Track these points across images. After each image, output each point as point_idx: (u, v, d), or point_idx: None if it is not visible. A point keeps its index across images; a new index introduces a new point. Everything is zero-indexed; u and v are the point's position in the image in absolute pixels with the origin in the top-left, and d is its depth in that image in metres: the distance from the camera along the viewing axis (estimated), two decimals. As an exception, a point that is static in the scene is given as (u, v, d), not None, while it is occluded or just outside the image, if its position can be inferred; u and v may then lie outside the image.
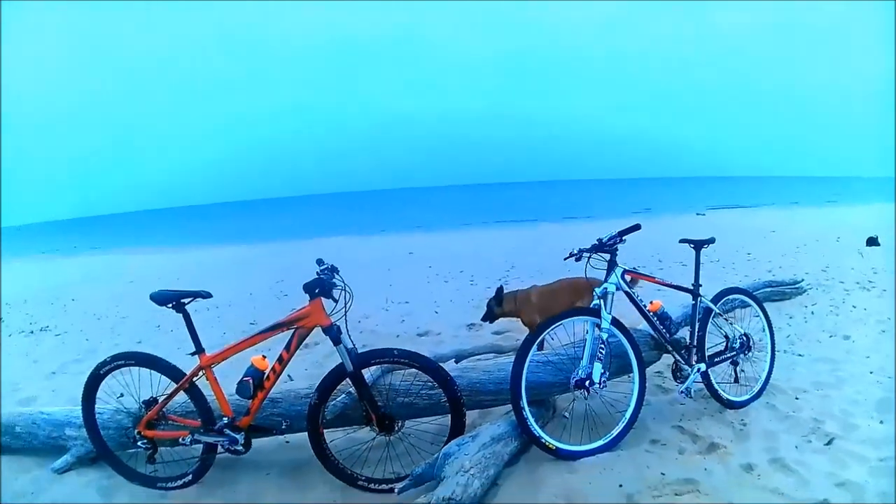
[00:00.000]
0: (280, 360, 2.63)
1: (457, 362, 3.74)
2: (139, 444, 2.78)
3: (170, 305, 2.67)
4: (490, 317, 4.46)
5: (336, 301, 2.60)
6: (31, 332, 6.90)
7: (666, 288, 3.39)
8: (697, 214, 20.71)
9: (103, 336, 6.40)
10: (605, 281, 3.09)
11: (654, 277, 3.35)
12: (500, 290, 4.48)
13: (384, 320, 6.14)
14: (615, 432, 2.96)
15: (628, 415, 3.02)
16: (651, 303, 3.27)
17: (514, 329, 5.09)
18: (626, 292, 3.16)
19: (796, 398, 3.48)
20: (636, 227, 3.14)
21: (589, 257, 3.15)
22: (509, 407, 2.89)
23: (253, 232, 29.28)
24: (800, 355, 4.26)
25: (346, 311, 2.60)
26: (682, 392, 3.26)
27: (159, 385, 2.79)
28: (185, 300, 2.68)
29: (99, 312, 7.87)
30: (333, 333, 2.58)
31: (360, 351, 2.70)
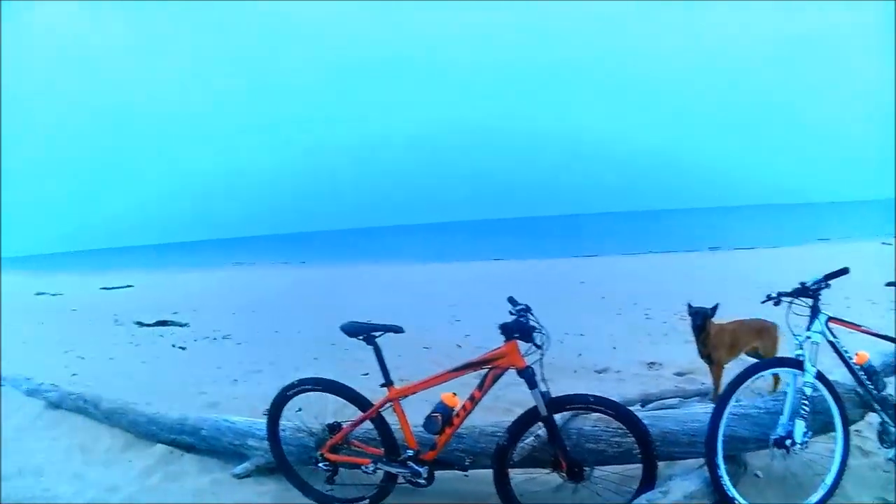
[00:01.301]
0: (471, 398, 2.59)
1: (643, 406, 3.56)
2: (321, 465, 2.84)
3: (360, 338, 2.70)
4: (700, 329, 3.97)
5: (539, 346, 2.50)
6: (215, 339, 7.47)
7: (858, 333, 3.01)
8: (883, 244, 17.87)
9: (281, 349, 6.76)
10: (808, 329, 2.80)
11: (860, 326, 2.99)
12: (715, 307, 3.97)
13: (559, 353, 5.90)
14: (813, 500, 2.65)
15: (829, 480, 2.69)
16: (857, 354, 2.92)
17: (696, 370, 4.82)
18: (831, 342, 2.85)
19: None
20: (844, 272, 2.83)
21: (791, 302, 2.88)
22: (699, 460, 2.68)
23: (416, 253, 30.67)
24: None
25: (542, 355, 2.50)
26: (889, 458, 2.90)
27: (333, 407, 2.84)
28: (376, 334, 2.71)
29: (277, 325, 8.39)
30: (528, 376, 2.50)
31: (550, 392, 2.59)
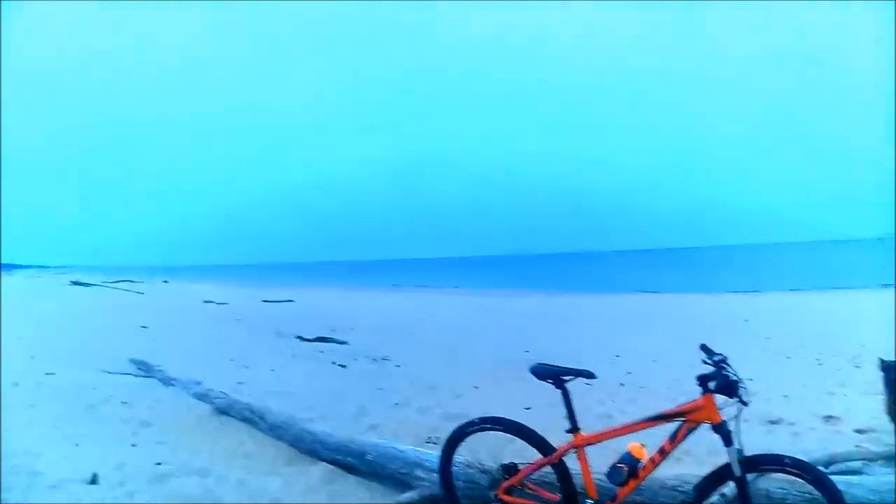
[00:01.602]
0: (661, 451, 2.58)
1: (826, 468, 3.43)
2: None
3: (549, 381, 2.77)
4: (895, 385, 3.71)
5: (745, 403, 2.45)
6: (374, 360, 7.71)
7: None
8: None
9: (440, 375, 6.86)
10: None
11: None
12: None
13: (727, 399, 5.83)
14: None
15: None
16: None
17: (879, 429, 4.47)
18: None
19: None
20: None
21: None
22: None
23: (562, 282, 31.48)
24: None
25: (740, 411, 2.44)
26: None
27: (497, 443, 2.86)
28: (566, 378, 2.76)
29: (436, 350, 8.49)
30: (724, 432, 2.46)
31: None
